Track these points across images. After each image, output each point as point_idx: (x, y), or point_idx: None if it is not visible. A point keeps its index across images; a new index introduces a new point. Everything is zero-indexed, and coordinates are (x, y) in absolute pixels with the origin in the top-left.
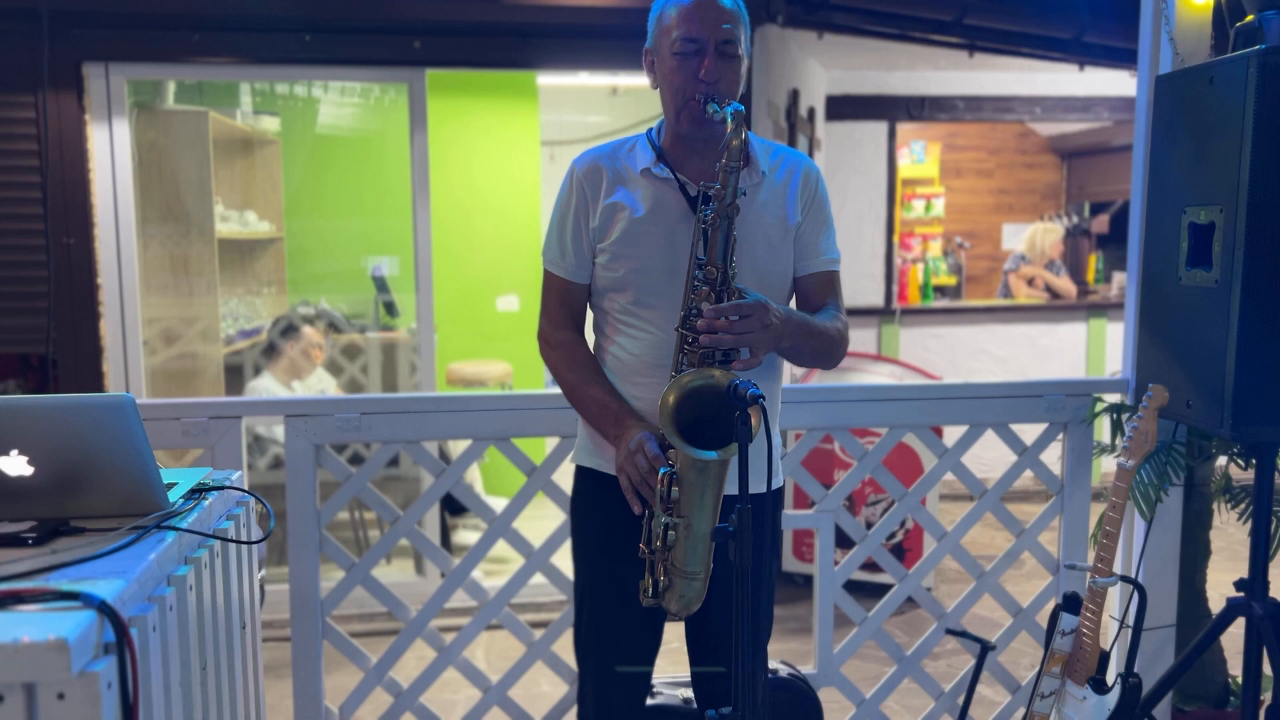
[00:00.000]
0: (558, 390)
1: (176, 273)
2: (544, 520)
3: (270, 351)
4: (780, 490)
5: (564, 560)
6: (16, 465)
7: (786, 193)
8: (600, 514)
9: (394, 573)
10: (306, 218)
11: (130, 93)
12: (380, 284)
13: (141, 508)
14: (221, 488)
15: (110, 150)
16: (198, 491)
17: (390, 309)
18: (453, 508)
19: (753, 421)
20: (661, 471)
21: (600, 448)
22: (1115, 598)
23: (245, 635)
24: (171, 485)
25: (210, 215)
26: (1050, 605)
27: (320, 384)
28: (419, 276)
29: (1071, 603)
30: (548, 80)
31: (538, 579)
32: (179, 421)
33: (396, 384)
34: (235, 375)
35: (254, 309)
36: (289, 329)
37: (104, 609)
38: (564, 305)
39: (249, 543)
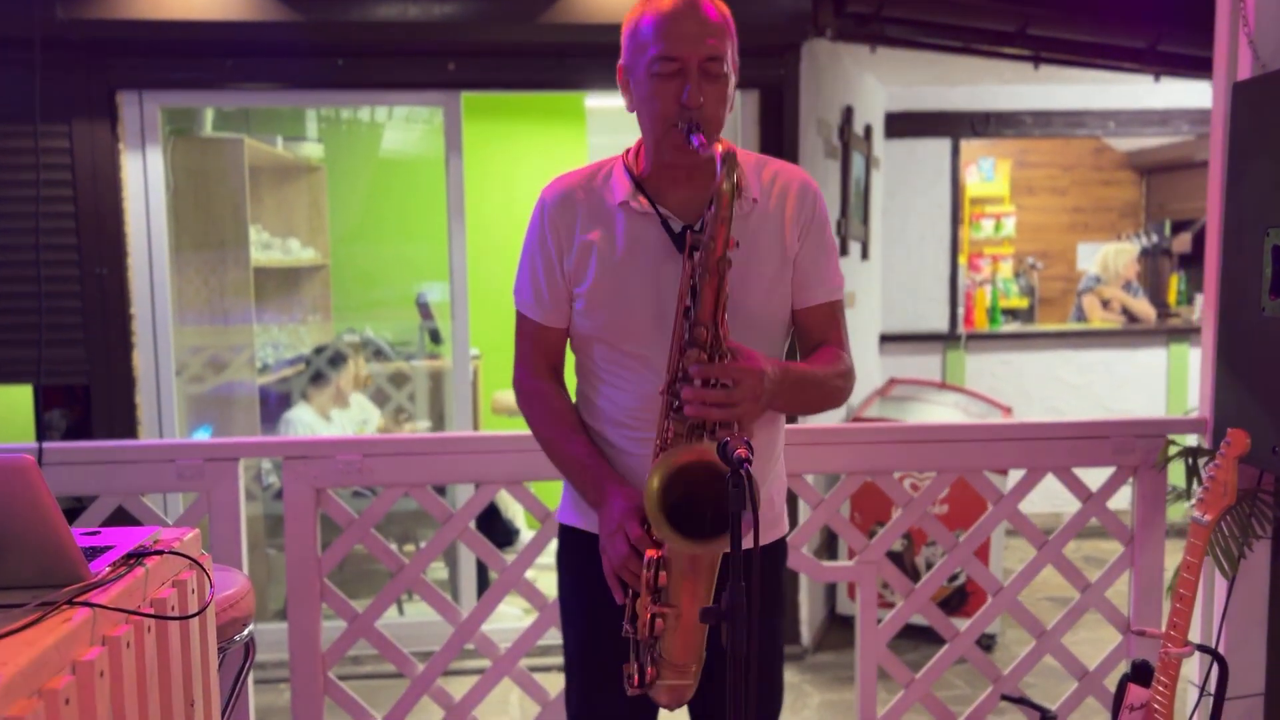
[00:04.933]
0: None
1: (212, 301)
2: None
3: (318, 380)
4: (776, 544)
5: None
6: None
7: (782, 218)
8: (587, 577)
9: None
10: (354, 244)
11: (167, 121)
12: (424, 310)
13: (59, 578)
14: (161, 553)
15: (144, 179)
16: (136, 555)
17: (435, 336)
18: (495, 540)
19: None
20: (647, 555)
21: (584, 505)
22: (1194, 662)
23: (197, 710)
24: (106, 549)
25: (246, 243)
26: (1121, 666)
27: (363, 414)
28: (454, 304)
29: (1141, 673)
30: (598, 101)
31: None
32: (173, 464)
33: (444, 412)
34: (279, 404)
35: (297, 337)
36: (337, 358)
37: None
38: (539, 351)
39: (183, 617)
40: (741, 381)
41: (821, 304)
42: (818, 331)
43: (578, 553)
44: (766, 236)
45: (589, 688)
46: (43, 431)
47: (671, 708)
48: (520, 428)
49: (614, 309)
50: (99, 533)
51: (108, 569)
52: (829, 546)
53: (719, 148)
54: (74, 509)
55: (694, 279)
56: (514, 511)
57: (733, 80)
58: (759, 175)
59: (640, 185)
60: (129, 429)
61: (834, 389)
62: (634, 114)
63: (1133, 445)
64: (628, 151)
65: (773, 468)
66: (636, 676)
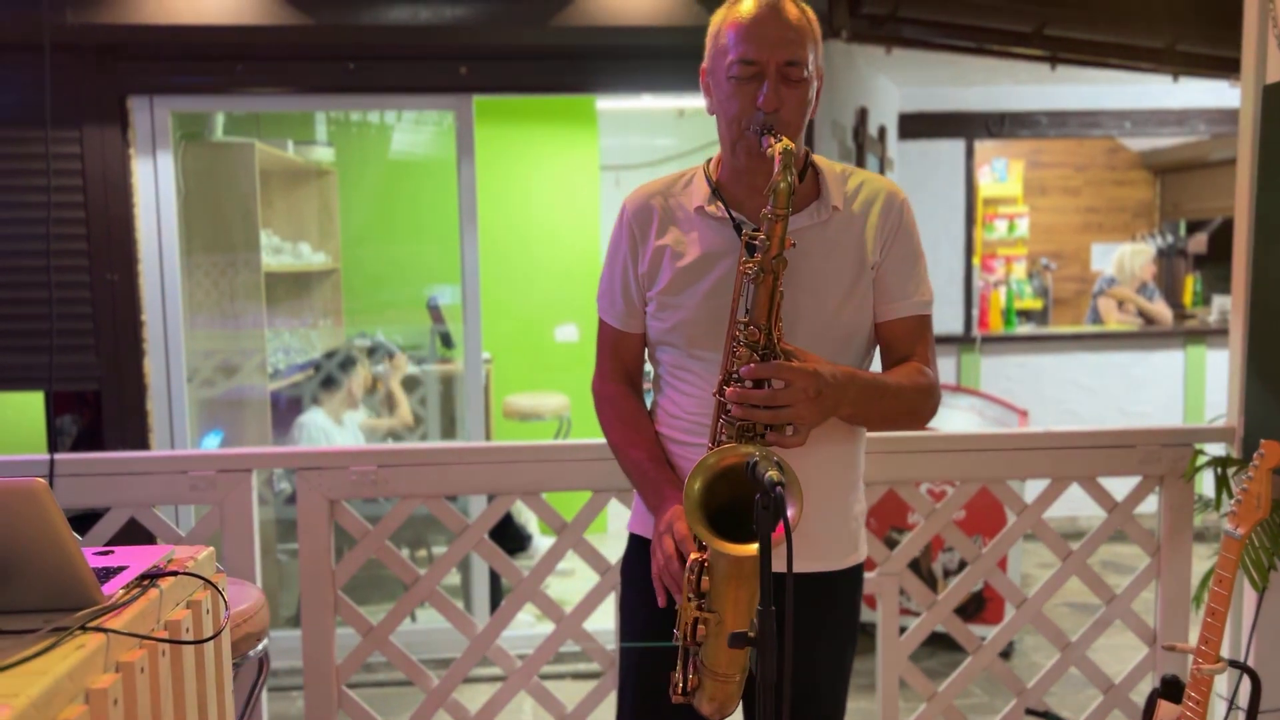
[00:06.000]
0: (591, 441)
1: (223, 306)
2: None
3: (329, 384)
4: (858, 568)
5: (595, 623)
6: None
7: (864, 227)
8: (651, 589)
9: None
10: (364, 248)
11: (178, 126)
12: (436, 314)
13: (72, 601)
14: (176, 574)
15: (155, 184)
16: (150, 576)
17: (446, 340)
18: (507, 546)
19: (790, 514)
20: (691, 558)
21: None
22: (1223, 675)
23: None
24: (119, 569)
25: (257, 247)
26: (1147, 679)
27: (368, 412)
28: (467, 309)
29: (1172, 689)
30: (610, 104)
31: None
32: (186, 475)
33: (455, 417)
34: (290, 408)
35: (308, 342)
36: (348, 362)
37: None
38: (615, 356)
39: (199, 642)
40: (793, 382)
41: (906, 317)
42: (902, 345)
43: (644, 563)
44: (846, 245)
45: (641, 702)
46: (54, 438)
47: (714, 719)
48: (533, 436)
49: (683, 312)
50: (112, 552)
51: (121, 591)
52: None
53: (778, 145)
54: (87, 514)
55: (749, 281)
56: (527, 517)
57: (815, 84)
58: (843, 184)
59: (717, 191)
60: (140, 434)
61: (913, 403)
62: (713, 117)
63: (1159, 454)
64: (709, 160)
65: (848, 482)
66: (681, 684)
